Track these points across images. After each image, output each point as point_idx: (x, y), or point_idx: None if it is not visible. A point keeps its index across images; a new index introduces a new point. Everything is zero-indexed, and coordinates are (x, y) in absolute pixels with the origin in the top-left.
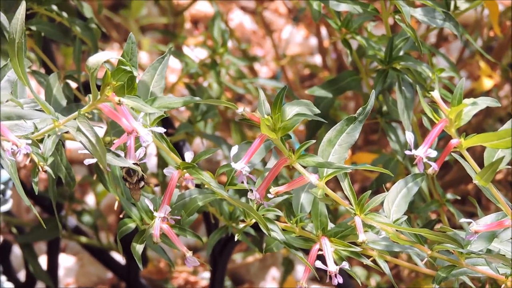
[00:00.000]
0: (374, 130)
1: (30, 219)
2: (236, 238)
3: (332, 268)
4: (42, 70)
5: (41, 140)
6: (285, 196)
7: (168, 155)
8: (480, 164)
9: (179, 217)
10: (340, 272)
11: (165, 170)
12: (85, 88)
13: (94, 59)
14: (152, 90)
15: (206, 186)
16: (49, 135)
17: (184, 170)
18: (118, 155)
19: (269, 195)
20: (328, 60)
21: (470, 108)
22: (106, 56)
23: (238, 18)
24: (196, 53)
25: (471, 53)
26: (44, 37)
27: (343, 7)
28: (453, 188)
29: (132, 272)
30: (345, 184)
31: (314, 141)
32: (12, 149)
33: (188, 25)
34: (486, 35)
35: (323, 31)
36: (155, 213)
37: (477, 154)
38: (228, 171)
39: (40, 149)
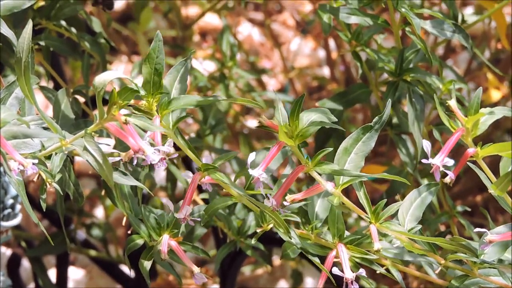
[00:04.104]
0: (382, 142)
1: (39, 233)
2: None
3: (349, 275)
4: (50, 84)
5: (49, 157)
6: (301, 204)
7: (189, 156)
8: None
9: (199, 219)
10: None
11: (183, 174)
12: (93, 102)
13: (101, 78)
14: (173, 92)
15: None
16: (56, 153)
17: (205, 172)
18: (125, 174)
19: (284, 203)
20: (337, 72)
21: (486, 118)
22: (113, 75)
23: (246, 30)
24: (204, 65)
25: (479, 65)
26: (52, 51)
27: (354, 20)
28: (461, 199)
29: (141, 285)
30: (360, 193)
31: (330, 149)
32: (18, 168)
33: (196, 37)
34: (493, 47)
35: (331, 43)
36: (176, 214)
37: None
38: (246, 177)
39: (48, 166)
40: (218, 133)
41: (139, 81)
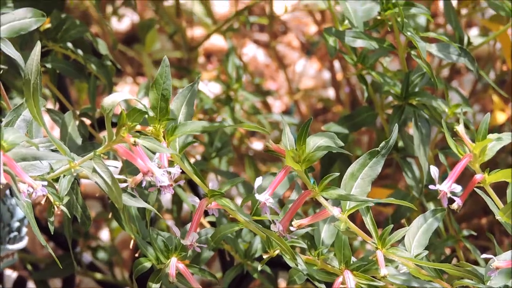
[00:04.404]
0: (387, 164)
1: (45, 255)
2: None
3: None
4: (56, 105)
5: (57, 179)
6: (307, 229)
7: (196, 181)
8: None
9: (205, 245)
10: None
11: (189, 199)
12: (100, 124)
13: (109, 100)
14: (180, 117)
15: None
16: (64, 175)
17: (211, 198)
18: (133, 196)
19: (291, 228)
20: (342, 94)
21: (494, 144)
22: (121, 97)
23: (251, 52)
24: (210, 87)
25: (484, 87)
26: (58, 73)
27: (359, 43)
28: (466, 222)
29: None
30: (367, 219)
31: (337, 174)
32: (28, 190)
33: (201, 59)
34: (499, 68)
35: (337, 64)
36: (182, 241)
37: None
38: (253, 202)
39: (56, 189)
40: (224, 156)
41: (145, 102)
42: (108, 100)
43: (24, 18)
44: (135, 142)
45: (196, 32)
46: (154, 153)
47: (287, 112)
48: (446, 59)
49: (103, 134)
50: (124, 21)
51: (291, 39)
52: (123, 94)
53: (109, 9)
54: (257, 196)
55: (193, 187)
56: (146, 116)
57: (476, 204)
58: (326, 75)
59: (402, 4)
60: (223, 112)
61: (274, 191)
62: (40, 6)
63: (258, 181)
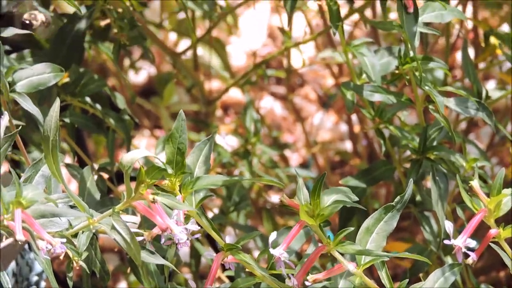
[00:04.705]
0: (404, 217)
1: None
2: None
3: None
4: (69, 156)
5: (75, 235)
6: (324, 283)
7: (213, 236)
8: None
9: None
10: None
11: (206, 253)
12: (118, 178)
13: (129, 157)
14: (196, 171)
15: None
16: (83, 231)
17: (227, 252)
18: (152, 252)
19: (306, 283)
20: (359, 147)
21: (509, 199)
22: (141, 154)
23: (268, 104)
24: (227, 140)
25: (502, 139)
26: (76, 127)
27: (377, 98)
28: (484, 275)
29: None
30: (382, 273)
31: (352, 228)
32: (46, 247)
33: (218, 111)
34: None
35: (354, 117)
36: None
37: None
38: (269, 256)
39: (75, 244)
40: (242, 210)
41: (162, 157)
42: (127, 157)
43: (42, 73)
44: (154, 199)
45: (214, 84)
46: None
47: (304, 165)
48: (464, 114)
49: (121, 187)
50: (141, 74)
51: (308, 91)
52: (142, 151)
53: (126, 62)
54: (271, 250)
55: (211, 240)
56: None
57: (494, 257)
58: (343, 127)
59: (420, 59)
60: (241, 166)
61: (288, 245)
62: (58, 60)
63: (273, 236)
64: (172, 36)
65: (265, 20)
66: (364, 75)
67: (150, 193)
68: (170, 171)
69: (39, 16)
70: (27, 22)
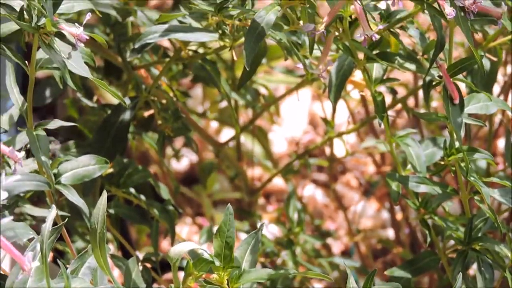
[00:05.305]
0: None
1: None
2: None
3: None
4: (112, 245)
5: None
6: None
7: None
8: None
9: None
10: None
11: None
12: (162, 268)
13: (177, 250)
14: (244, 265)
15: None
16: None
17: None
18: None
19: None
20: (401, 235)
21: None
22: (189, 247)
23: (310, 191)
24: (270, 228)
25: None
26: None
27: (423, 189)
28: None
29: None
30: None
31: None
32: None
33: (260, 199)
34: None
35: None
36: None
37: None
38: None
39: None
40: None
41: (205, 246)
42: (175, 250)
43: (88, 165)
44: None
45: (255, 171)
46: None
47: (346, 252)
48: (510, 205)
49: (166, 276)
50: (182, 161)
51: (350, 178)
52: (190, 244)
53: (168, 149)
54: None
55: None
56: None
57: None
58: (385, 215)
59: (466, 150)
60: (284, 255)
61: None
62: (103, 152)
63: None
64: (213, 123)
65: (306, 107)
66: (409, 166)
67: (198, 286)
68: (218, 264)
69: None
70: None
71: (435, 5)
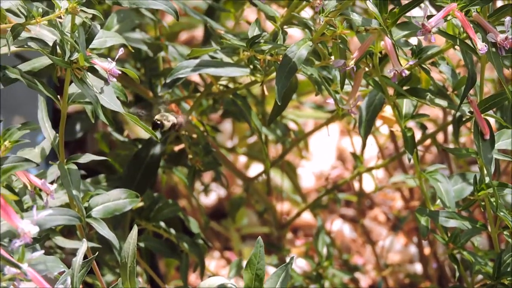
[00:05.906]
0: None
1: None
2: None
3: None
4: (141, 278)
5: None
6: None
7: None
8: None
9: None
10: None
11: None
12: None
13: (207, 284)
14: None
15: None
16: None
17: None
18: None
19: None
20: (429, 269)
21: None
22: (219, 281)
23: (338, 225)
24: (298, 262)
25: None
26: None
27: (452, 223)
28: None
29: None
30: None
31: None
32: None
33: (288, 234)
34: None
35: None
36: None
37: None
38: None
39: None
40: None
41: (234, 281)
42: (205, 284)
43: (118, 199)
44: None
45: (284, 206)
46: None
47: (374, 287)
48: None
49: None
50: (211, 195)
51: (377, 213)
52: (220, 278)
53: (197, 184)
54: None
55: None
56: None
57: None
58: (413, 249)
59: (496, 185)
60: None
61: None
62: (133, 186)
63: None
64: (242, 158)
65: (334, 142)
66: (438, 201)
67: None
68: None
69: (171, 118)
70: (158, 122)
71: (467, 41)
